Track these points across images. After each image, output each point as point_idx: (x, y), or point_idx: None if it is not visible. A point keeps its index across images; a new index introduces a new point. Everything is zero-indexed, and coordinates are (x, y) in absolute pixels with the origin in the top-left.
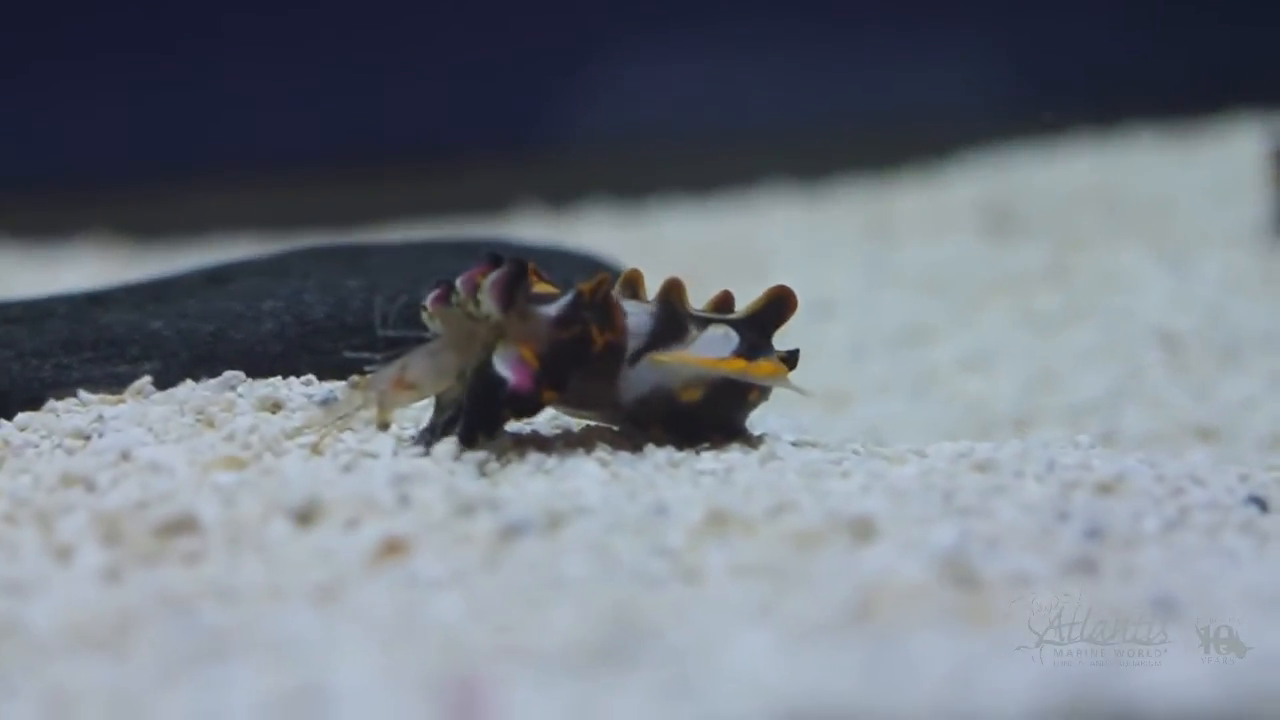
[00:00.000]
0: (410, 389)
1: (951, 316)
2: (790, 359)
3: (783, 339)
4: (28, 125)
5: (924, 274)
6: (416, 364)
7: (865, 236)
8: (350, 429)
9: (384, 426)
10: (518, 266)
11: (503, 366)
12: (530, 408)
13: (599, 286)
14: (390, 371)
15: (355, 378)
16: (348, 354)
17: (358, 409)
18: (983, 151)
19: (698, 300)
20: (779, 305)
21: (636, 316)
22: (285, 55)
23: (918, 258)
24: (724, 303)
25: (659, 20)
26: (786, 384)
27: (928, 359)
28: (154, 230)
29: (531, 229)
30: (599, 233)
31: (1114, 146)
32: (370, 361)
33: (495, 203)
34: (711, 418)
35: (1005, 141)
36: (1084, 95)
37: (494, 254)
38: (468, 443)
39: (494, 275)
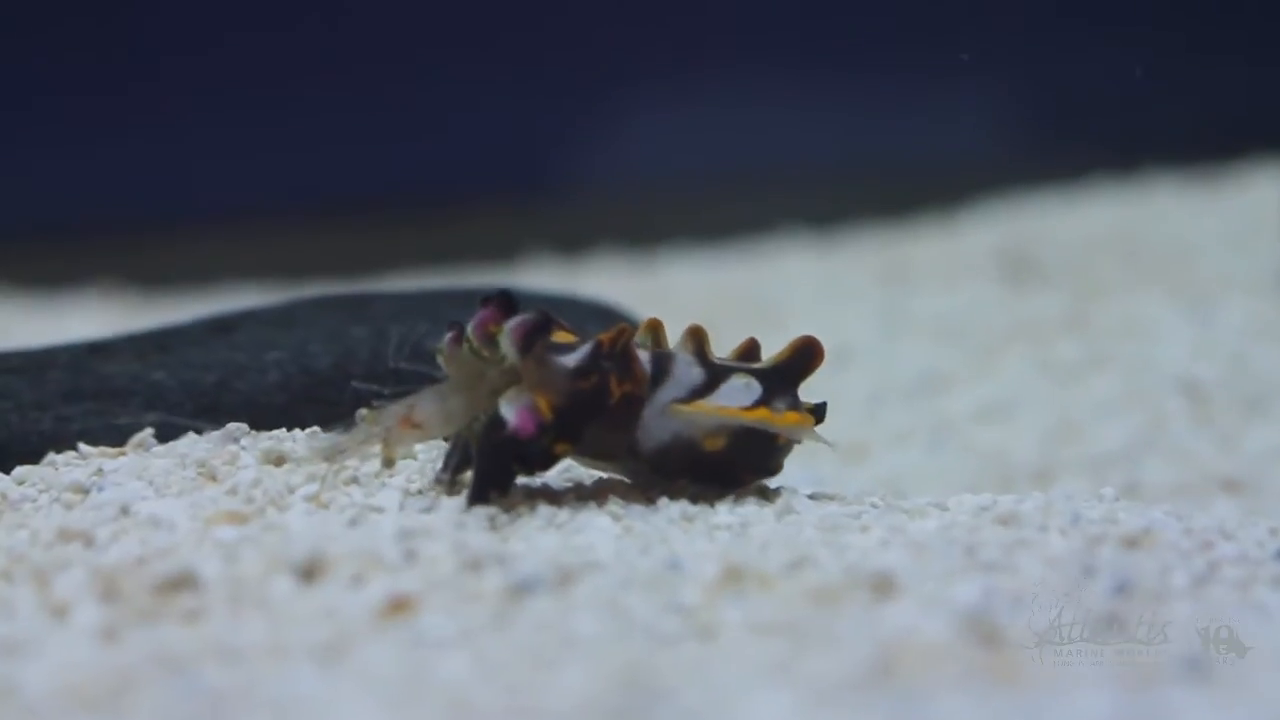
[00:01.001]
0: (417, 428)
1: (969, 365)
2: (818, 412)
3: (801, 388)
4: (30, 174)
5: (941, 322)
6: (424, 404)
7: (881, 284)
8: (352, 473)
9: (389, 464)
10: (542, 315)
11: (508, 410)
12: (541, 459)
13: (619, 336)
14: (398, 409)
15: (363, 411)
16: (355, 384)
17: (363, 444)
18: (999, 198)
19: (722, 349)
20: (805, 356)
21: (686, 368)
22: (291, 102)
23: (934, 306)
24: (749, 351)
25: (670, 66)
26: (811, 435)
27: (945, 409)
28: (159, 279)
29: (540, 277)
30: (609, 280)
31: (1133, 193)
32: (378, 395)
33: (503, 250)
34: (743, 463)
35: (1022, 188)
36: (1103, 141)
37: (504, 293)
38: (478, 500)
39: (517, 320)
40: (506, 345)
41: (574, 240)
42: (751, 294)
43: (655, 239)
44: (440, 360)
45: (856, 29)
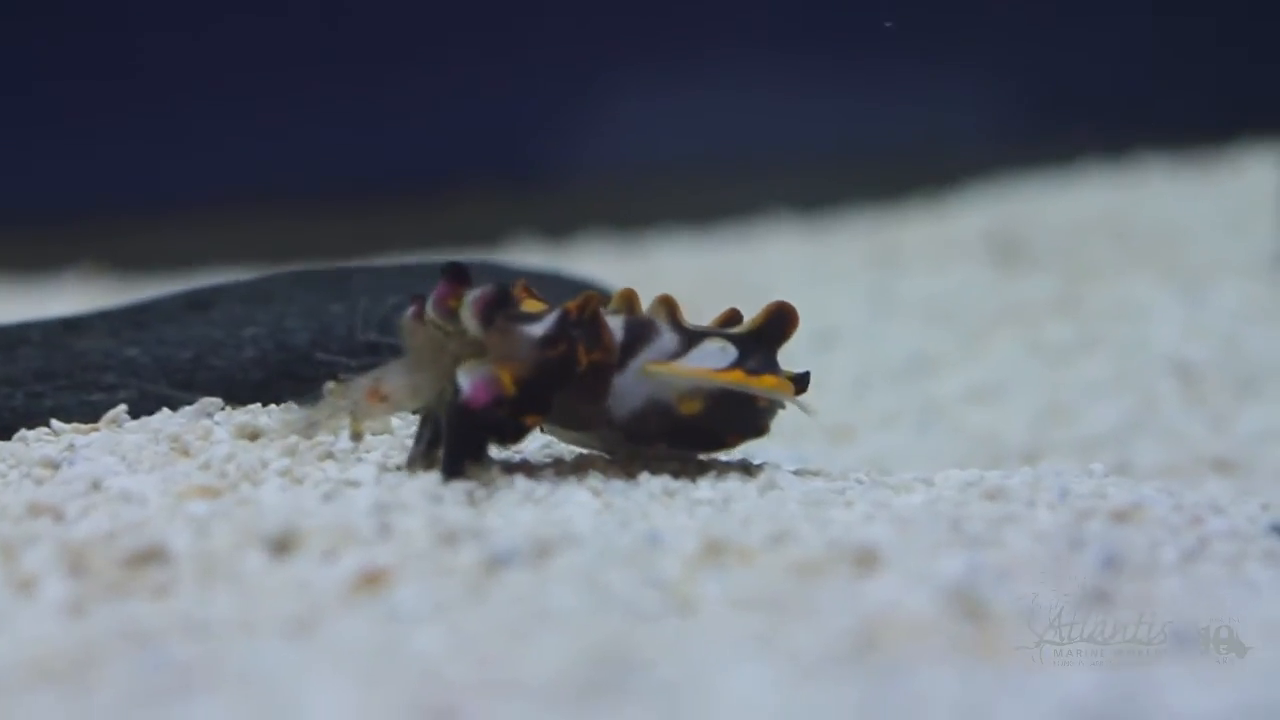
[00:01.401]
0: (384, 401)
1: (958, 347)
2: (800, 381)
3: (785, 364)
4: (9, 159)
5: (929, 304)
6: (391, 377)
7: (869, 267)
8: (327, 448)
9: (357, 437)
10: (500, 288)
11: (464, 380)
12: (512, 431)
13: (586, 304)
14: (365, 382)
15: (331, 384)
16: (320, 356)
17: (331, 417)
18: (989, 182)
19: (703, 321)
20: (779, 321)
21: (660, 333)
22: (277, 87)
23: (923, 288)
24: (730, 320)
25: (657, 51)
26: (790, 399)
27: (934, 391)
28: (140, 264)
29: (527, 260)
30: (597, 264)
31: (1125, 176)
32: (345, 367)
33: (490, 235)
34: (724, 426)
35: (1012, 172)
36: (1093, 125)
37: (455, 265)
38: (452, 474)
39: (476, 294)
40: (467, 319)
41: (561, 225)
42: (739, 277)
43: (643, 223)
44: (403, 334)
45: (845, 13)
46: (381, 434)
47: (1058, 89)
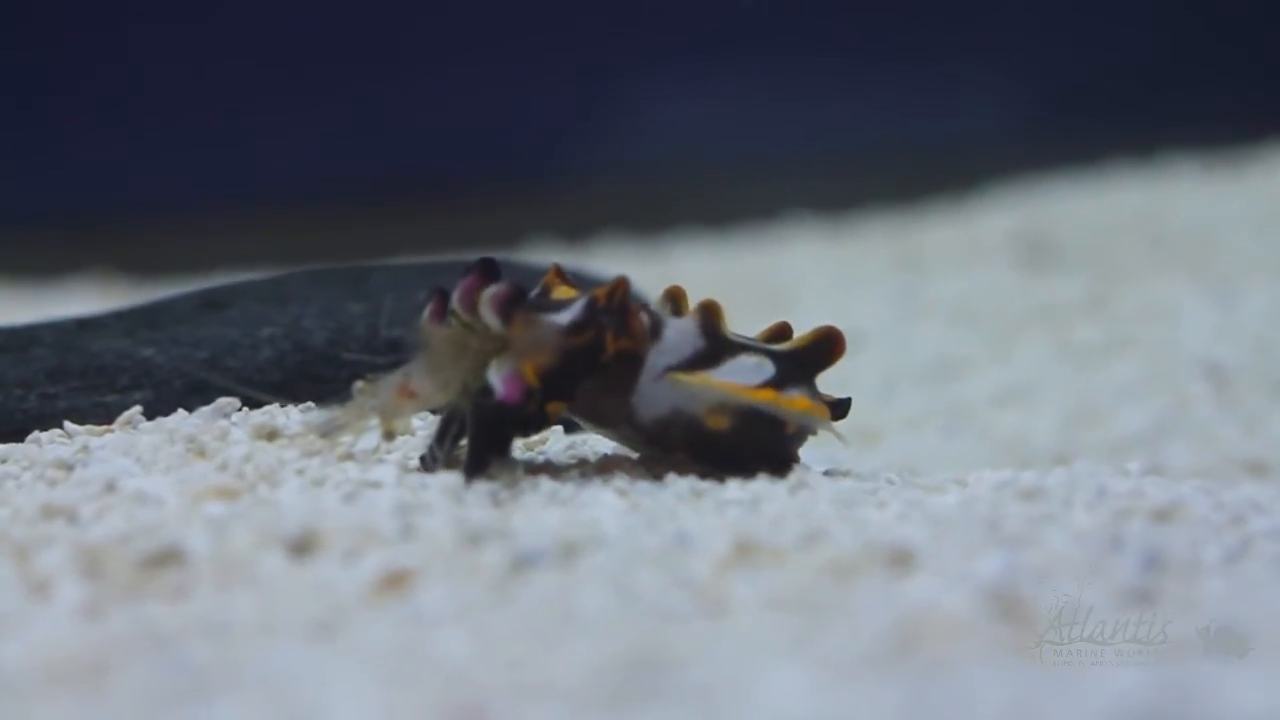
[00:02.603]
0: (413, 398)
1: (985, 350)
2: (839, 407)
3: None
4: (25, 163)
5: (956, 306)
6: (419, 374)
7: (894, 269)
8: (348, 449)
9: (389, 436)
10: (516, 286)
11: (494, 378)
12: (536, 421)
13: (615, 290)
14: (393, 380)
15: (360, 383)
16: (345, 355)
17: (360, 418)
18: (1014, 182)
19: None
20: (825, 346)
21: (681, 334)
22: (293, 91)
23: (949, 290)
24: (779, 334)
25: (676, 52)
26: (822, 424)
27: (961, 394)
28: (155, 268)
29: (547, 263)
30: (615, 267)
31: (1153, 176)
32: (371, 366)
33: (509, 238)
34: (750, 449)
35: (1037, 172)
36: (1121, 123)
37: (486, 261)
38: (477, 471)
39: (492, 290)
40: (487, 315)
41: (580, 227)
42: (762, 280)
43: (663, 225)
44: (423, 330)
45: (868, 13)
46: (404, 434)
47: (1083, 88)
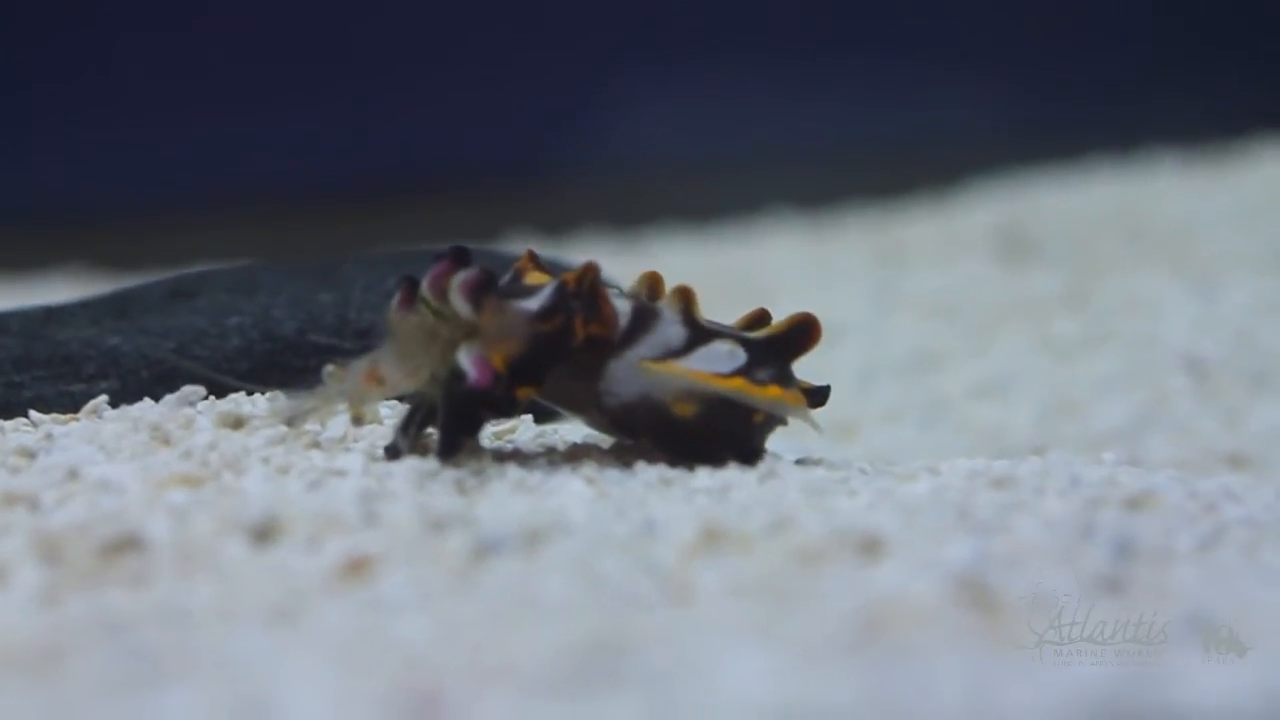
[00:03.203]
0: (381, 384)
1: (964, 343)
2: (817, 394)
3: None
4: (1, 158)
5: (935, 299)
6: (387, 360)
7: (874, 263)
8: (314, 438)
9: (358, 421)
10: (485, 272)
11: (465, 362)
12: (506, 404)
13: (585, 275)
14: (361, 365)
15: (330, 367)
16: (312, 337)
17: (328, 403)
18: (994, 177)
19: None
20: (800, 333)
21: (668, 325)
22: (272, 88)
23: (928, 283)
24: (758, 319)
25: (656, 46)
26: (795, 412)
27: (939, 386)
28: (130, 263)
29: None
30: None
31: (1134, 171)
32: (340, 350)
33: (488, 232)
34: (716, 438)
35: (1018, 167)
36: (1102, 118)
37: (458, 249)
38: (449, 452)
39: (462, 276)
40: (456, 301)
41: (559, 222)
42: (741, 274)
43: (643, 220)
44: (392, 317)
45: (847, 8)
46: (372, 423)
47: (1064, 83)
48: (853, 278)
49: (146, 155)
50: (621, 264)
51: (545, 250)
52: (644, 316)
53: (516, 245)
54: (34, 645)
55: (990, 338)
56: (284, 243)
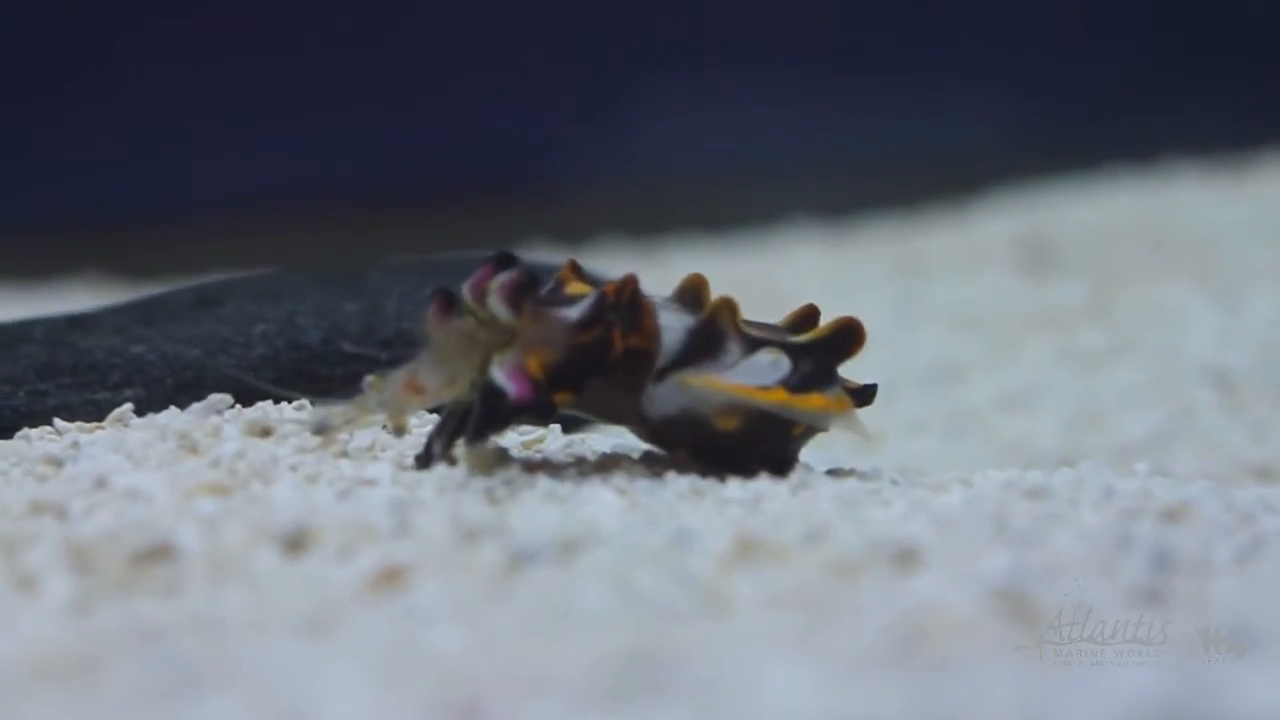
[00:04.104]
0: (420, 393)
1: (988, 354)
2: (864, 394)
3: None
4: (18, 165)
5: (958, 311)
6: (426, 369)
7: (895, 274)
8: (342, 447)
9: (399, 431)
10: (526, 273)
11: (501, 377)
12: (541, 411)
13: (624, 286)
14: (400, 375)
15: (370, 377)
16: (346, 347)
17: (367, 413)
18: (1014, 187)
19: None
20: (845, 336)
21: (671, 331)
22: (292, 95)
23: (951, 294)
24: (805, 317)
25: (675, 56)
26: (840, 421)
27: (964, 398)
28: (149, 271)
29: (549, 262)
30: (613, 271)
31: (1154, 182)
32: (370, 358)
33: (506, 242)
34: (753, 450)
35: (1038, 178)
36: (1121, 129)
37: (505, 254)
38: (479, 438)
39: (502, 278)
40: (495, 303)
41: (578, 232)
42: (761, 285)
43: (661, 230)
44: (430, 326)
45: (868, 19)
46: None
47: (1084, 93)
48: (874, 288)
49: (165, 162)
50: (642, 274)
51: (563, 260)
52: (704, 342)
53: (537, 255)
54: (68, 655)
55: (1014, 349)
56: (303, 251)
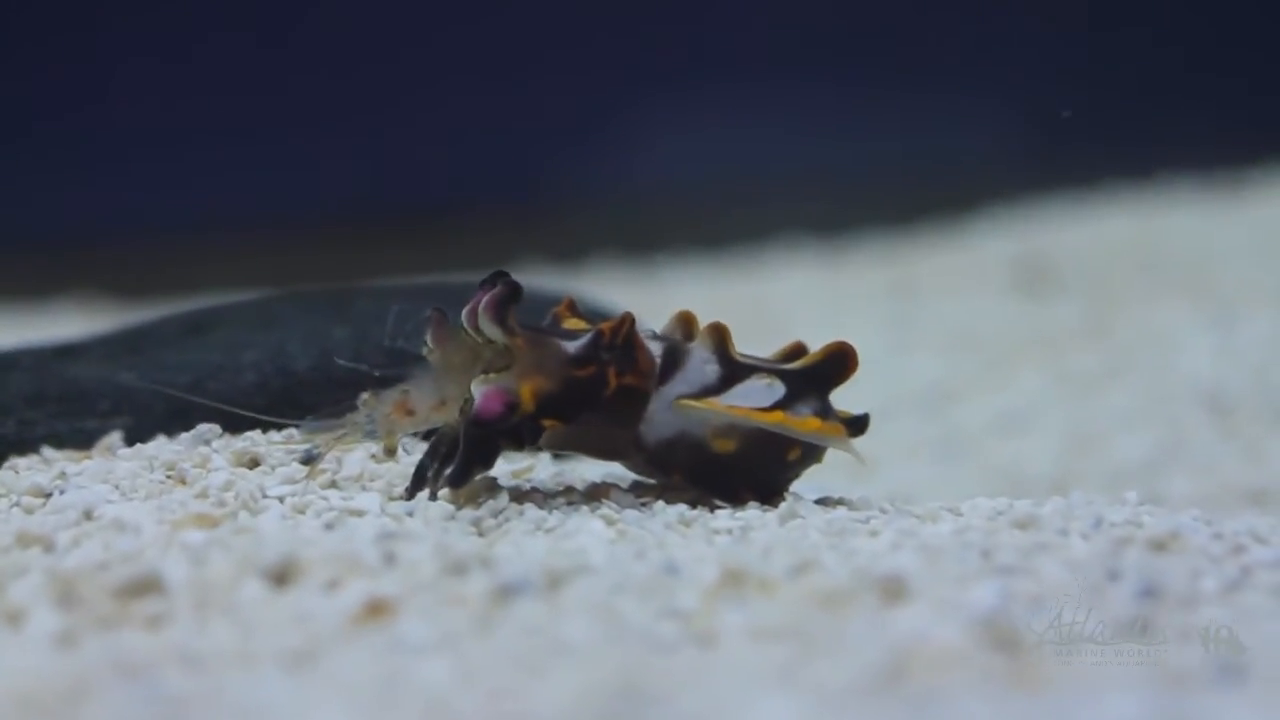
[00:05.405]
0: (411, 415)
1: (982, 376)
2: (857, 424)
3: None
4: (9, 185)
5: (952, 332)
6: (419, 391)
7: (889, 294)
8: (330, 476)
9: (390, 453)
10: (510, 285)
11: (476, 391)
12: (530, 435)
13: (620, 326)
14: (393, 396)
15: (365, 395)
16: (340, 361)
17: (358, 430)
18: (1008, 206)
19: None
20: (837, 362)
21: (701, 364)
22: (283, 114)
23: (945, 315)
24: (794, 353)
25: (668, 74)
26: (836, 443)
27: (957, 421)
28: (141, 291)
29: (539, 285)
30: (608, 290)
31: (1151, 202)
32: (370, 378)
33: (499, 260)
34: (746, 474)
35: (1033, 197)
36: (1116, 147)
37: (496, 273)
38: (460, 481)
39: (488, 295)
40: (486, 324)
41: (571, 250)
42: (755, 304)
43: (655, 248)
44: (426, 349)
45: (861, 35)
46: (386, 462)
47: (1080, 112)
48: (868, 309)
49: (155, 181)
50: (633, 294)
51: (557, 280)
52: (675, 355)
53: (529, 274)
54: (53, 689)
55: (1008, 371)
56: (295, 270)
